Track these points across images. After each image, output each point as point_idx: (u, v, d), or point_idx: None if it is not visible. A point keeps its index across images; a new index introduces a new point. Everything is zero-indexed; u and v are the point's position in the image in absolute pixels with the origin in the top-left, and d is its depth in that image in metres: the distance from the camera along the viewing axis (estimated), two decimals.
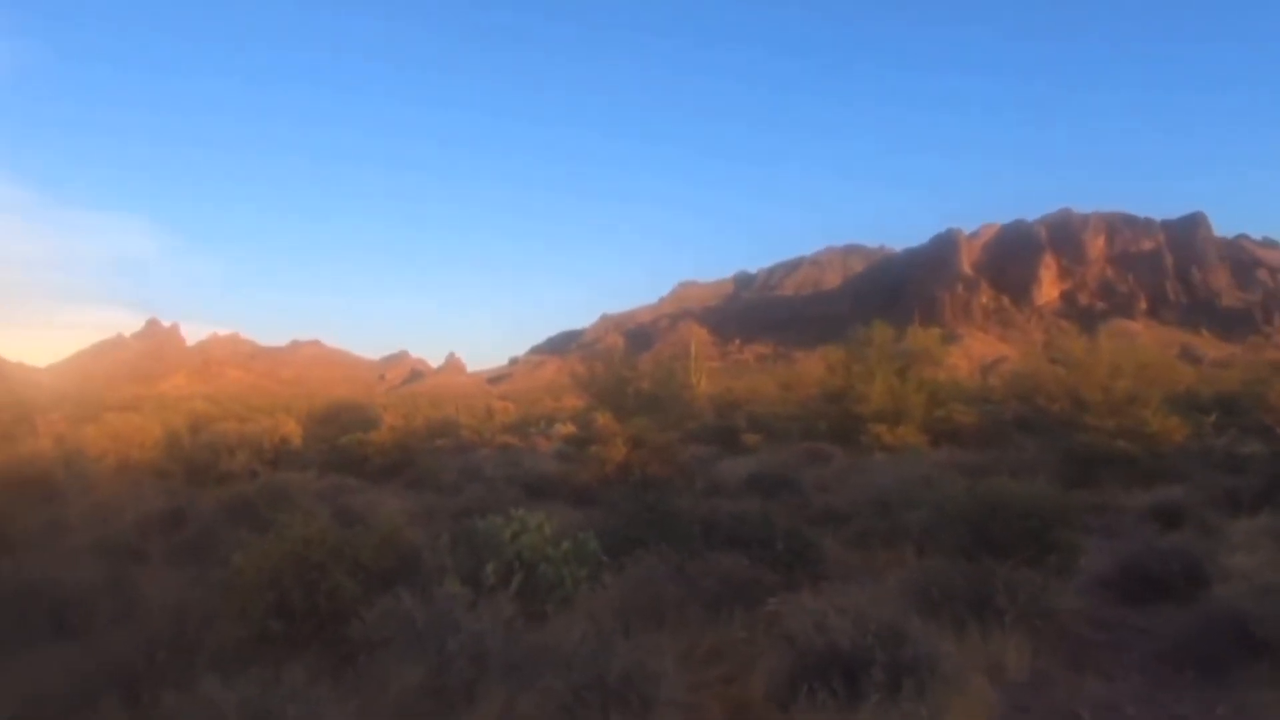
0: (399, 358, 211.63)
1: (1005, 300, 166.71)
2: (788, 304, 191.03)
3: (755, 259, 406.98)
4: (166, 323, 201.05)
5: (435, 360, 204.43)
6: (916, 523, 9.23)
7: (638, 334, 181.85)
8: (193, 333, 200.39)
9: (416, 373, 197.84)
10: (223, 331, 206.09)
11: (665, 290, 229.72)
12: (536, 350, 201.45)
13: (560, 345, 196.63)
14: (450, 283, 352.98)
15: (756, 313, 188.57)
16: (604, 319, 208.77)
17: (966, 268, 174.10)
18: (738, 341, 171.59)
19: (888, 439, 20.14)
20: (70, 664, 5.35)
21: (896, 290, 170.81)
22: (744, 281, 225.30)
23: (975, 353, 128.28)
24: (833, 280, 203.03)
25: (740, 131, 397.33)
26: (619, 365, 22.51)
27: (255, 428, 26.96)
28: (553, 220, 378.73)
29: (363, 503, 11.66)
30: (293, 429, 28.11)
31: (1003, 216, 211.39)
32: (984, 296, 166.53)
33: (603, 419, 15.76)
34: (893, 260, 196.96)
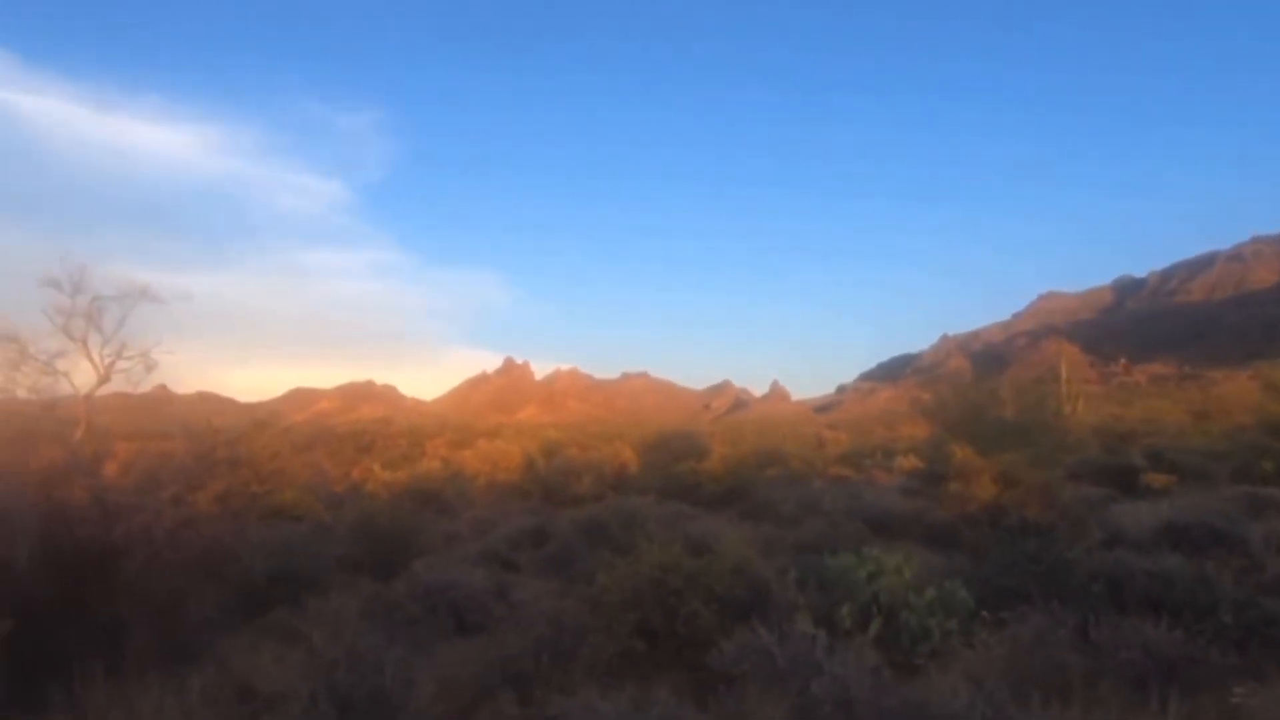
0: (722, 387, 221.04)
1: None
2: (1196, 311, 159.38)
3: (1137, 263, 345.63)
4: (520, 360, 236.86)
5: (758, 389, 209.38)
6: None
7: (986, 355, 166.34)
8: (540, 369, 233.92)
9: (740, 401, 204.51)
10: (565, 367, 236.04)
11: (1017, 306, 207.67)
12: (867, 376, 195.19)
13: (893, 370, 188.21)
14: (772, 311, 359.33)
15: (1148, 324, 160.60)
16: (945, 340, 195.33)
17: None
18: (1123, 360, 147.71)
19: None
20: (471, 657, 6.37)
21: None
22: (1128, 287, 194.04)
23: None
24: (1264, 278, 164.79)
25: (1109, 122, 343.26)
26: (973, 391, 20.79)
27: (597, 455, 30.21)
28: (878, 238, 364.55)
29: (702, 530, 12.20)
30: (630, 456, 30.91)
31: None
32: None
33: (961, 452, 14.57)
34: None
